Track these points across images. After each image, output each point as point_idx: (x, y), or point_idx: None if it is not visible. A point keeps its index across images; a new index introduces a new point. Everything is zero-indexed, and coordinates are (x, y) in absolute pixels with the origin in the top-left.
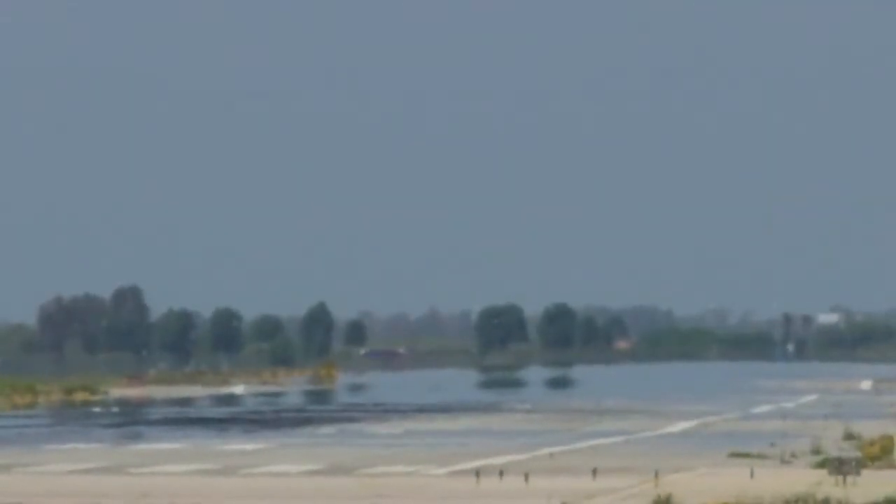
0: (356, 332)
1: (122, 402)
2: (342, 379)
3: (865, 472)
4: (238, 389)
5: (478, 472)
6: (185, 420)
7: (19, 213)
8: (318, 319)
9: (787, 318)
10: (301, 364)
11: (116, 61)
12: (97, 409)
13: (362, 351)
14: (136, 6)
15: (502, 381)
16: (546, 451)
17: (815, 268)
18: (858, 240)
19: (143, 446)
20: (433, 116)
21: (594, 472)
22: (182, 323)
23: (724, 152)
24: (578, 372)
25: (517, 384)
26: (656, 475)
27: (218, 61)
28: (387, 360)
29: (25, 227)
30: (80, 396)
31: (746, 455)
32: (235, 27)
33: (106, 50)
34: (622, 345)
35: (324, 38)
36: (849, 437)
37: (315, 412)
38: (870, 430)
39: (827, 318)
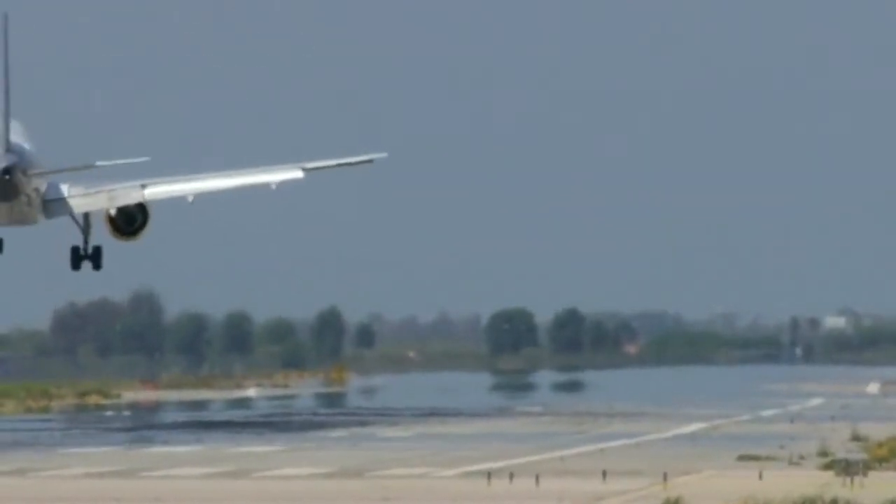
0: (366, 336)
1: (135, 406)
2: (353, 382)
3: (873, 474)
4: (250, 392)
5: (489, 474)
6: (197, 424)
7: None
8: (330, 323)
9: (795, 322)
10: (313, 367)
11: (118, 60)
12: (110, 413)
13: None
14: (136, 5)
15: (513, 384)
16: (556, 453)
17: (822, 270)
18: (865, 241)
19: (155, 450)
20: (439, 119)
21: (604, 474)
22: (195, 326)
23: (730, 156)
24: (588, 376)
25: (528, 388)
26: (665, 477)
27: (222, 59)
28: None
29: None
30: (93, 400)
31: (755, 457)
32: (229, 24)
33: (106, 49)
34: (631, 349)
35: (324, 35)
36: (856, 439)
37: (326, 415)
38: (877, 432)
39: (834, 322)
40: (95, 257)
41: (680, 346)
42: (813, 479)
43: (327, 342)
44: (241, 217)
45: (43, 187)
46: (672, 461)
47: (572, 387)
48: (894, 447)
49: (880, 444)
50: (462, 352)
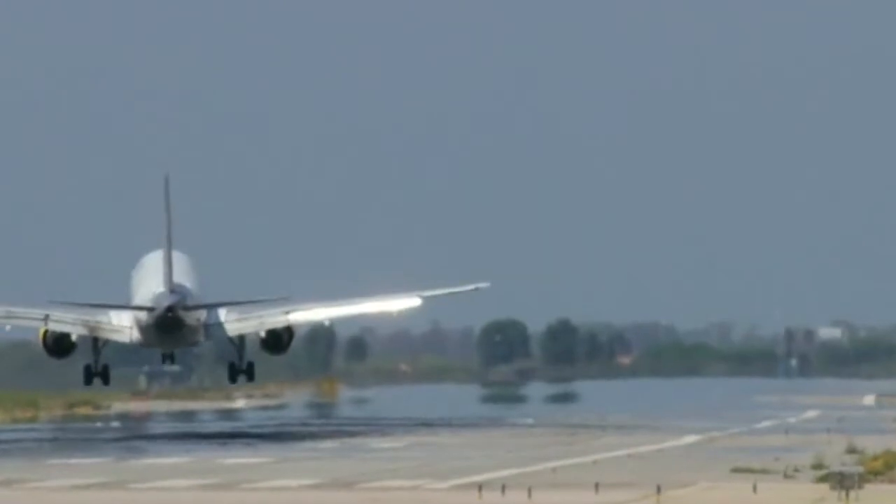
0: (358, 348)
1: (125, 417)
2: (344, 393)
3: (868, 487)
4: (240, 404)
5: (480, 487)
6: (186, 435)
7: (24, 226)
8: (320, 335)
9: (790, 334)
10: (303, 379)
11: (117, 61)
12: (99, 424)
13: None
14: (135, 7)
15: (505, 396)
16: (549, 465)
17: (817, 281)
18: (861, 253)
19: (144, 461)
20: (432, 128)
21: (596, 486)
22: None
23: (725, 166)
24: (581, 387)
25: (520, 399)
26: (658, 490)
27: (221, 61)
28: None
29: (29, 236)
30: (82, 411)
31: (750, 470)
32: (228, 26)
33: (105, 50)
34: (625, 360)
35: (329, 37)
36: (852, 451)
37: (317, 426)
38: (873, 445)
39: (829, 333)
40: (249, 371)
41: (674, 357)
42: (808, 492)
43: (318, 355)
44: (232, 226)
45: (203, 316)
46: (666, 473)
47: (565, 398)
48: (889, 460)
49: (875, 457)
50: (454, 364)
